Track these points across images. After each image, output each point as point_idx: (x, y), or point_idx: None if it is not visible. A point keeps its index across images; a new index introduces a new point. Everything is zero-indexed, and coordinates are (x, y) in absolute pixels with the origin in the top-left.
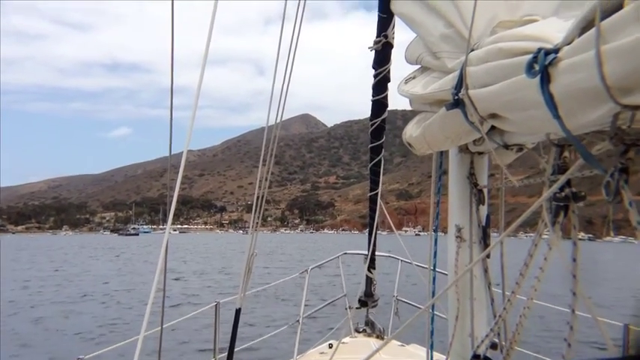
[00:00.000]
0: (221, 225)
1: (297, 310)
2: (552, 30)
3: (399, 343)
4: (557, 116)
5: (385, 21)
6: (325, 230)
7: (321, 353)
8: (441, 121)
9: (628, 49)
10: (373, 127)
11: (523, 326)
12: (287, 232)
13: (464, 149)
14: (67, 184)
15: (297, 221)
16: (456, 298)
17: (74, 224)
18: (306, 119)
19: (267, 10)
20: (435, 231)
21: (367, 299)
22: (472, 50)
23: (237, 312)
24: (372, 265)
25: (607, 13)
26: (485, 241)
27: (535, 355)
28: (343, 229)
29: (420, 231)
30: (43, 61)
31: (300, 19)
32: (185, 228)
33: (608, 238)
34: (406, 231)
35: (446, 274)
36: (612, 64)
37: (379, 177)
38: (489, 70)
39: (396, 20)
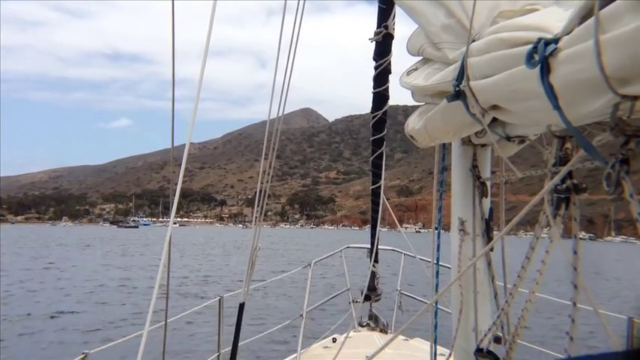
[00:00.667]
0: (221, 219)
1: (301, 303)
2: (553, 19)
3: (403, 337)
4: (557, 107)
5: (385, 12)
6: (325, 226)
7: (325, 347)
8: (442, 113)
9: (626, 38)
10: (375, 119)
11: (525, 319)
12: (287, 227)
13: (467, 141)
14: (68, 175)
15: (297, 216)
16: (459, 292)
17: (74, 215)
18: (307, 113)
19: (270, 1)
20: (439, 224)
21: (371, 293)
22: (473, 41)
23: (241, 306)
24: (375, 259)
25: (606, 2)
26: (488, 234)
27: (538, 348)
28: (343, 225)
29: (420, 228)
30: (44, 50)
31: (301, 11)
32: (185, 221)
33: (609, 238)
34: (406, 228)
35: (449, 268)
36: (610, 54)
37: (381, 170)
38: (490, 61)
39: (397, 11)
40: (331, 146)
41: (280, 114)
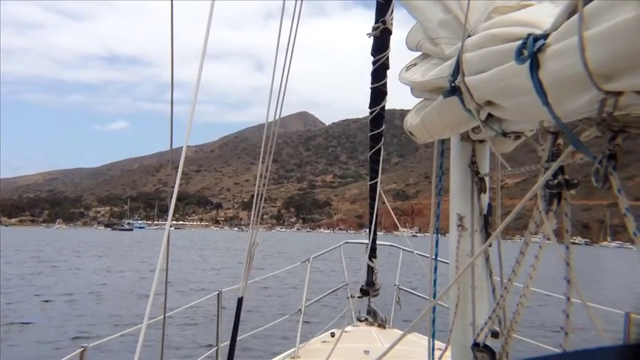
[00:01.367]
0: (216, 222)
1: (299, 298)
2: (544, 15)
3: (401, 332)
4: (546, 103)
5: (383, 7)
6: (321, 229)
7: (324, 342)
8: (439, 108)
9: (609, 34)
10: (373, 114)
11: (520, 314)
12: (283, 230)
13: (465, 137)
14: (64, 177)
15: (293, 220)
16: (457, 287)
17: (68, 218)
18: (304, 117)
19: (268, 4)
20: (437, 219)
21: (369, 288)
22: (469, 36)
23: (240, 301)
24: (373, 255)
25: None
26: (486, 229)
27: (535, 342)
28: (340, 229)
29: (416, 232)
30: (40, 52)
31: (297, 15)
32: (180, 224)
33: (604, 243)
34: (403, 232)
35: (447, 263)
36: (594, 50)
37: (379, 165)
38: (484, 57)
39: (395, 6)
40: (328, 150)
41: (277, 117)
